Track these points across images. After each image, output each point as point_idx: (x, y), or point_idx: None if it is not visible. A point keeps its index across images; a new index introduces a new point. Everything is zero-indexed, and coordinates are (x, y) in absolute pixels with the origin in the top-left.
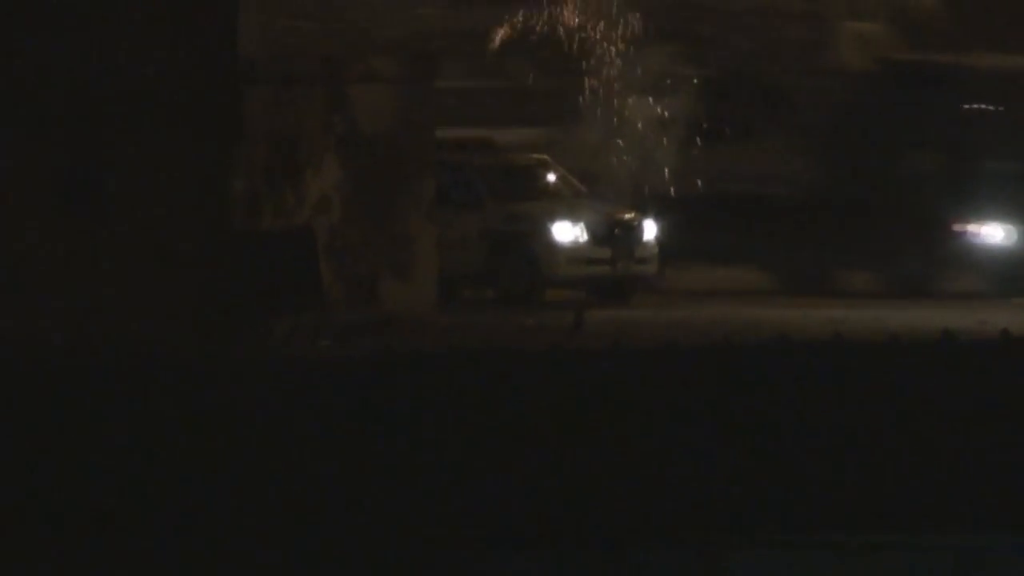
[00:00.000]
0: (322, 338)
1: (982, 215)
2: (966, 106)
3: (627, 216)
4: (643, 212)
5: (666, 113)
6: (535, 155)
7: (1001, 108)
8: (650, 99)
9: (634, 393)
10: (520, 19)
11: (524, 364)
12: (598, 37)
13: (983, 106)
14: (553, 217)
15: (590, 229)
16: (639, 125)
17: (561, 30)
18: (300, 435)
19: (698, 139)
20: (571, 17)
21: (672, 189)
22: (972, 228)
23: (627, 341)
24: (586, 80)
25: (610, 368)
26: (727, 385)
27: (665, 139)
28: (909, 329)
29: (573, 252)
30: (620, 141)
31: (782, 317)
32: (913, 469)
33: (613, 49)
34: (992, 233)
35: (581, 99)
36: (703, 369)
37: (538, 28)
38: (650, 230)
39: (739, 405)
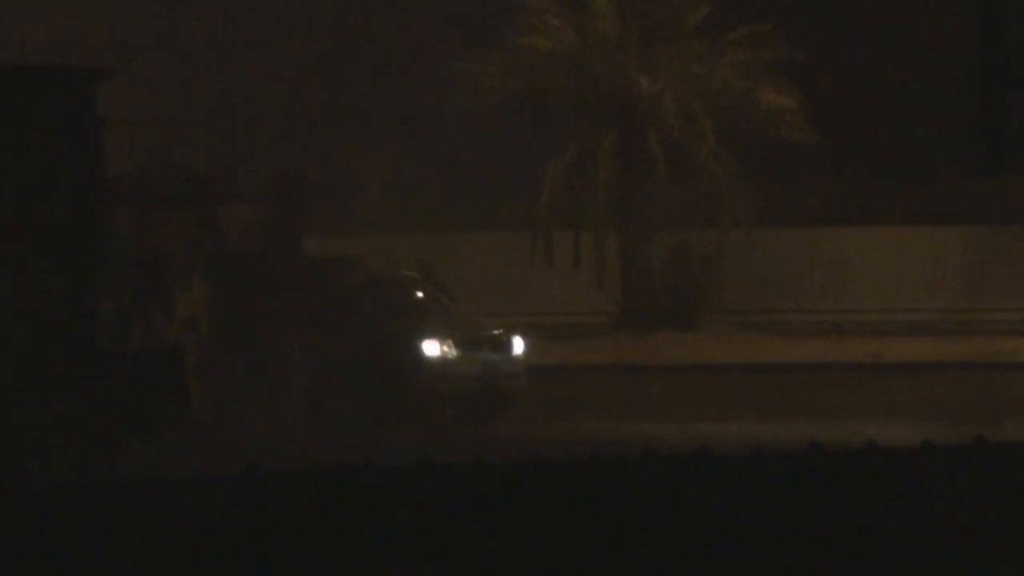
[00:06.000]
0: (189, 458)
1: None
2: None
3: (495, 332)
4: (511, 329)
5: None
6: (404, 272)
7: None
8: None
9: (499, 508)
10: None
11: (391, 480)
12: None
13: None
14: (422, 334)
15: (459, 345)
16: None
17: None
18: (153, 561)
19: None
20: None
21: None
22: None
23: (492, 457)
24: None
25: (474, 484)
26: (593, 500)
27: None
28: (776, 442)
29: (442, 368)
30: None
31: (651, 431)
32: None
33: None
34: None
35: None
36: (569, 484)
37: None
38: (518, 346)
39: (604, 521)
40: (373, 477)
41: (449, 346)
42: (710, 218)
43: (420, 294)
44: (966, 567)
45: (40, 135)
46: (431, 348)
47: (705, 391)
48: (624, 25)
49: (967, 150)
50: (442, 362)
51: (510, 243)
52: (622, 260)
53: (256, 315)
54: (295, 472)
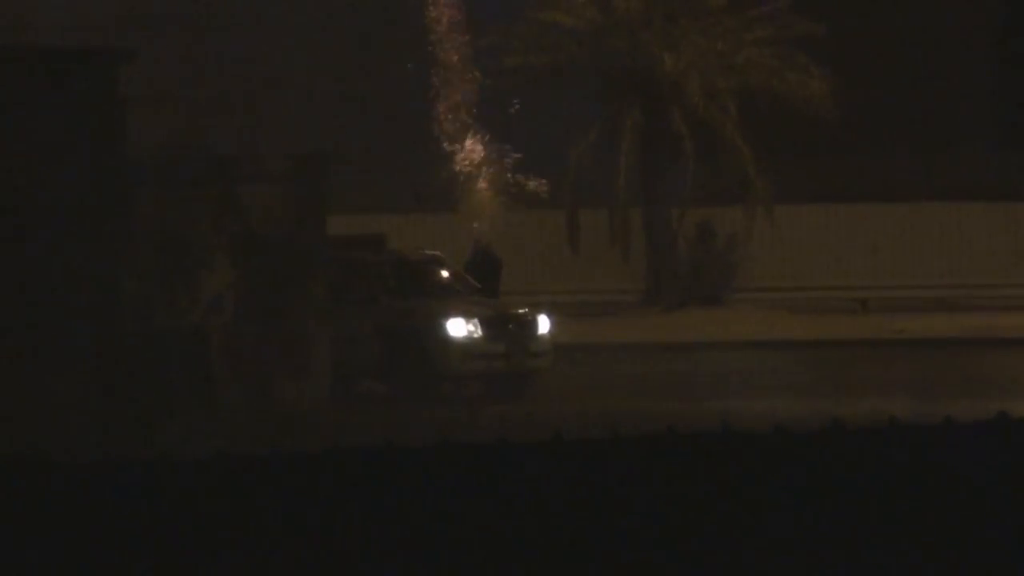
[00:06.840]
0: (213, 438)
1: None
2: None
3: (521, 311)
4: (537, 307)
5: None
6: (429, 251)
7: None
8: None
9: (520, 487)
10: None
11: (414, 460)
12: None
13: None
14: (447, 313)
15: (484, 324)
16: None
17: None
18: (177, 543)
19: None
20: None
21: None
22: None
23: (515, 435)
24: None
25: (496, 463)
26: (614, 479)
27: None
28: (799, 419)
29: (467, 347)
30: None
31: (675, 409)
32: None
33: None
34: None
35: None
36: (590, 463)
37: None
38: (544, 325)
39: (625, 499)
40: (396, 456)
41: (475, 325)
42: (735, 196)
43: (445, 273)
44: (988, 542)
45: (63, 115)
46: (456, 327)
47: (730, 368)
48: (648, 1)
49: (991, 125)
50: (467, 341)
51: (535, 221)
52: (648, 238)
53: (280, 295)
54: (318, 452)
